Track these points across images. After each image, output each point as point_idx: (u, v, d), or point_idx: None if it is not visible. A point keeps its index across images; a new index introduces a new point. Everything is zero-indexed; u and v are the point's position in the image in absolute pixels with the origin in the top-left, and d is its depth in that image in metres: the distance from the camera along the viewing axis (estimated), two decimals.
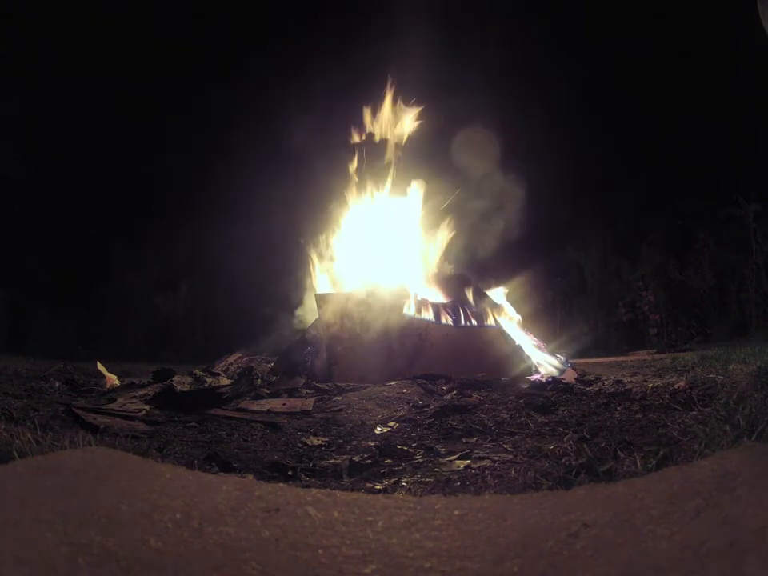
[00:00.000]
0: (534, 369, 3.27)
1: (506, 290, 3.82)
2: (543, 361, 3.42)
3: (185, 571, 0.81)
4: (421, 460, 1.71)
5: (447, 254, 3.88)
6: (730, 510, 0.92)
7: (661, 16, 7.14)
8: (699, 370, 2.86)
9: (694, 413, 1.80)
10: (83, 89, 7.11)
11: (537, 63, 6.96)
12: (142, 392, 2.65)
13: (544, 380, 3.08)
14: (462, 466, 1.61)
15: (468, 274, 3.77)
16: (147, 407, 2.37)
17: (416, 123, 4.10)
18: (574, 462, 1.43)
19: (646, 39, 7.31)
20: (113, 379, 3.19)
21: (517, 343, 3.34)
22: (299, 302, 4.19)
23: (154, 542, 0.88)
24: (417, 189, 4.00)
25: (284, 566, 0.83)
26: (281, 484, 1.39)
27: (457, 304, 3.44)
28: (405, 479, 1.51)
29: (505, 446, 1.80)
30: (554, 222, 7.25)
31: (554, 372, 3.30)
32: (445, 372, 3.03)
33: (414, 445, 1.88)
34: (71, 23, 6.98)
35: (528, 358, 3.29)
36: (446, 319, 3.31)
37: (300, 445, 1.91)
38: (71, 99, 7.01)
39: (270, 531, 0.95)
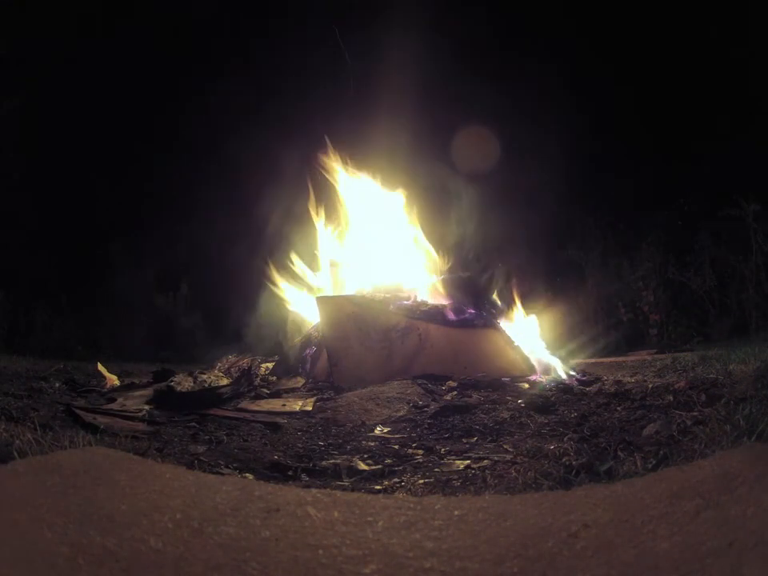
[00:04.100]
0: (533, 369, 3.27)
1: (508, 291, 3.82)
2: (546, 362, 3.41)
3: (185, 571, 0.81)
4: (421, 460, 1.71)
5: (447, 255, 3.88)
6: (730, 510, 0.92)
7: (664, 14, 7.15)
8: (699, 370, 2.86)
9: (694, 413, 1.80)
10: (83, 88, 7.11)
11: (537, 62, 6.96)
12: (141, 392, 2.65)
13: (544, 380, 3.08)
14: (462, 466, 1.61)
15: (468, 274, 3.77)
16: (147, 407, 2.37)
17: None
18: (574, 462, 1.43)
19: (647, 38, 7.31)
20: (113, 379, 3.19)
21: (516, 344, 3.33)
22: (299, 303, 4.19)
23: (153, 542, 0.88)
24: (416, 190, 4.01)
25: (284, 566, 0.83)
26: (281, 484, 1.40)
27: (457, 304, 3.44)
28: (405, 479, 1.51)
29: (505, 446, 1.80)
30: (554, 221, 7.25)
31: (558, 374, 3.29)
32: (445, 372, 3.03)
33: (413, 445, 1.88)
34: (70, 23, 6.99)
35: (528, 358, 3.29)
36: (446, 319, 3.31)
37: (300, 445, 1.91)
38: (71, 99, 7.01)
39: (269, 531, 0.95)
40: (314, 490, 1.18)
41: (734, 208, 6.27)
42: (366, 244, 3.95)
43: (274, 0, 7.33)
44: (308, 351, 3.57)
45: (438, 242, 3.91)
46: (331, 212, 4.10)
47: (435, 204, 4.03)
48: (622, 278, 6.97)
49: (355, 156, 4.01)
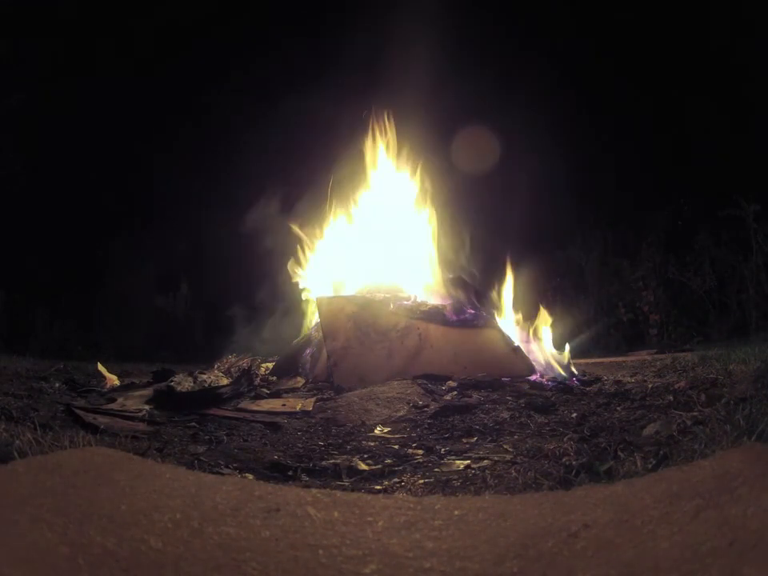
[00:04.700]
0: (533, 369, 3.27)
1: (508, 291, 3.82)
2: (546, 362, 3.41)
3: (185, 571, 0.81)
4: (421, 460, 1.70)
5: (447, 255, 3.88)
6: (730, 510, 0.92)
7: (663, 16, 7.15)
8: (699, 370, 2.86)
9: (694, 413, 1.80)
10: (83, 89, 7.11)
11: (537, 62, 6.96)
12: (141, 392, 2.65)
13: (544, 380, 3.08)
14: (461, 466, 1.61)
15: (468, 274, 3.77)
16: (147, 407, 2.37)
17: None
18: (574, 462, 1.43)
19: (647, 39, 7.32)
20: (113, 379, 3.19)
21: (516, 344, 3.33)
22: (299, 304, 4.19)
23: (153, 542, 0.88)
24: (414, 190, 4.02)
25: (284, 566, 0.83)
26: (281, 484, 1.40)
27: (457, 304, 3.44)
28: (405, 479, 1.51)
29: (505, 446, 1.80)
30: (554, 221, 7.25)
31: (558, 374, 3.29)
32: (445, 372, 3.03)
33: (413, 445, 1.88)
34: (70, 24, 6.99)
35: (528, 358, 3.29)
36: (446, 319, 3.31)
37: (300, 445, 1.91)
38: (71, 99, 7.01)
39: (270, 531, 0.95)
40: (314, 490, 1.17)
41: (734, 208, 6.27)
42: (366, 244, 3.95)
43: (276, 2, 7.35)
44: (308, 351, 3.56)
45: (439, 243, 3.91)
46: (332, 212, 4.11)
47: (435, 204, 4.03)
48: (622, 278, 6.97)
49: (359, 155, 4.02)
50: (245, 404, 2.51)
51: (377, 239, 3.92)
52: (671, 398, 2.14)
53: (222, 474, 1.50)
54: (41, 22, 6.97)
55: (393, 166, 4.06)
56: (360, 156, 4.03)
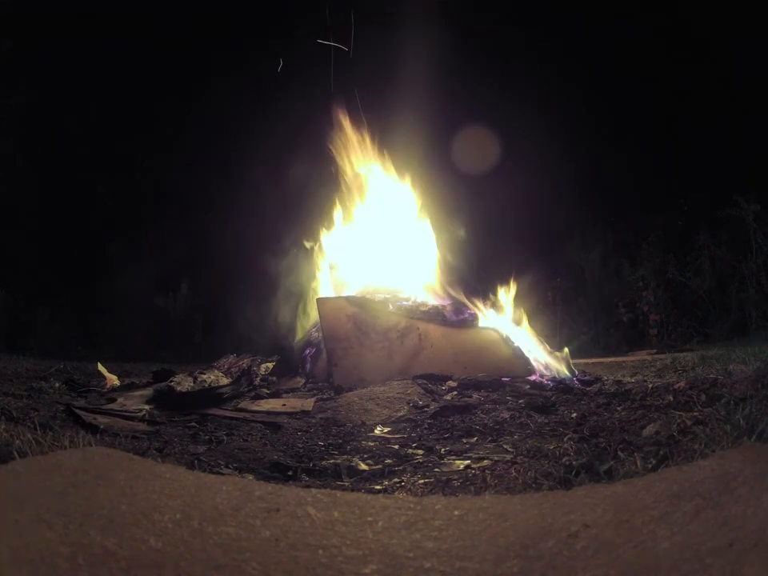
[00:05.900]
0: (533, 369, 3.27)
1: (508, 291, 3.82)
2: (546, 362, 3.41)
3: (185, 571, 0.81)
4: (421, 460, 1.70)
5: (447, 255, 3.88)
6: (730, 510, 0.92)
7: (662, 17, 7.15)
8: (699, 370, 2.86)
9: (694, 413, 1.80)
10: (82, 87, 7.11)
11: (537, 63, 6.96)
12: (141, 392, 2.65)
13: (544, 380, 3.08)
14: (462, 466, 1.61)
15: (468, 274, 3.77)
16: (147, 407, 2.37)
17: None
18: (574, 462, 1.43)
19: (646, 39, 7.32)
20: (113, 379, 3.19)
21: (516, 344, 3.33)
22: (299, 304, 4.19)
23: (153, 542, 0.88)
24: (413, 190, 4.02)
25: (284, 566, 0.83)
26: (281, 484, 1.40)
27: (457, 305, 3.44)
28: (405, 479, 1.51)
29: (505, 446, 1.80)
30: (554, 222, 7.25)
31: (558, 374, 3.29)
32: (445, 372, 3.03)
33: (413, 445, 1.88)
34: (72, 22, 6.99)
35: (527, 358, 3.29)
36: (446, 319, 3.31)
37: (300, 445, 1.91)
38: (71, 98, 7.02)
39: (269, 531, 0.95)
40: (314, 490, 1.17)
41: (734, 208, 6.27)
42: (366, 244, 3.95)
43: None
44: (308, 351, 3.56)
45: (439, 243, 3.91)
46: (333, 212, 4.11)
47: (435, 204, 4.03)
48: (621, 278, 6.97)
49: (359, 154, 4.02)
50: (245, 404, 2.51)
51: (376, 241, 3.92)
52: (671, 397, 2.14)
53: (222, 474, 1.50)
54: (40, 22, 6.97)
55: (390, 166, 4.06)
56: (354, 157, 4.04)
